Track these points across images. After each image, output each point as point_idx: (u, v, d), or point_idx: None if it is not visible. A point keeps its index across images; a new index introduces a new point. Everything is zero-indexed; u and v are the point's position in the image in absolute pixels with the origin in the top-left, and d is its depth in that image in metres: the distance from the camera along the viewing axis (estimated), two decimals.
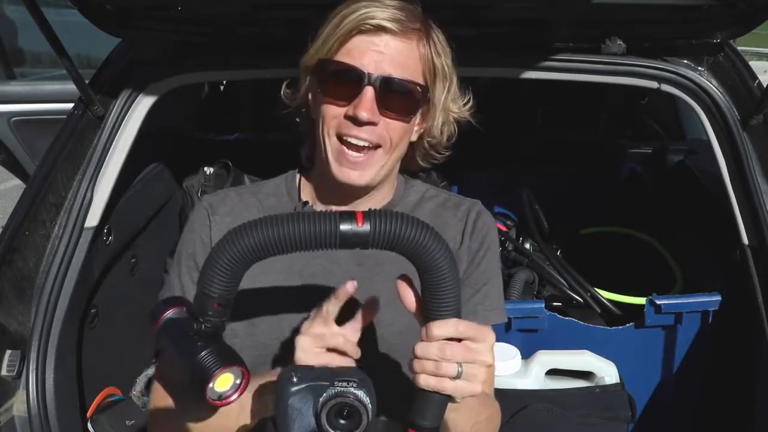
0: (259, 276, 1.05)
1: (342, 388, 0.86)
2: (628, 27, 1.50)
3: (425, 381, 0.88)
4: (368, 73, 1.06)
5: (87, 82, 1.49)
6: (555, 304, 2.03)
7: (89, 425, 1.50)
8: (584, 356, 1.86)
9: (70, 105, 1.53)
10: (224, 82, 2.89)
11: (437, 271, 0.85)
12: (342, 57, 1.08)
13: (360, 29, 1.06)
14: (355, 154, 1.09)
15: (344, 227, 0.81)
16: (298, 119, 1.22)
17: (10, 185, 5.20)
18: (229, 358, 0.87)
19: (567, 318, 1.92)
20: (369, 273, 1.16)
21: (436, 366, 0.87)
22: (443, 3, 1.15)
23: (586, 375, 1.88)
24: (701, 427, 1.92)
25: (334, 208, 1.16)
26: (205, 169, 2.16)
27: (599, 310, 2.01)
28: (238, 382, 0.87)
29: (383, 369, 1.17)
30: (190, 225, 1.22)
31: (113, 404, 1.59)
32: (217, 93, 3.03)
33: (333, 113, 1.09)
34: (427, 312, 0.90)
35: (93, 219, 1.47)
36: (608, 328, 1.92)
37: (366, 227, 0.82)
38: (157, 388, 1.14)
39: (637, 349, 1.91)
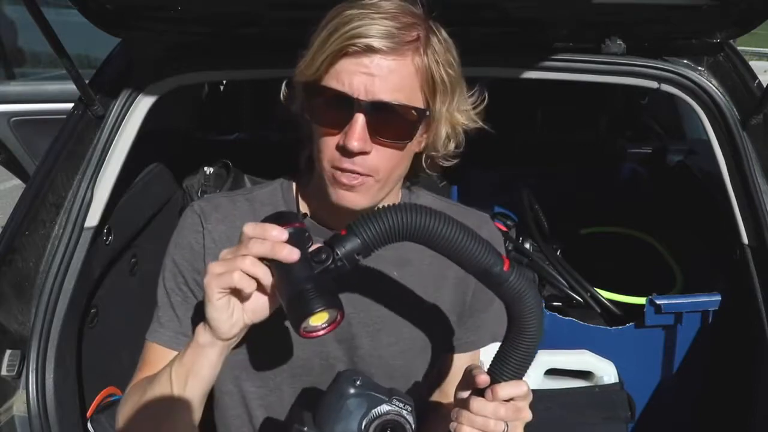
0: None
1: (398, 408, 0.91)
2: (628, 27, 1.50)
3: None
4: (357, 99, 0.97)
5: (87, 82, 1.49)
6: (555, 304, 2.04)
7: (89, 425, 1.50)
8: (583, 356, 1.86)
9: (70, 105, 1.53)
10: (224, 82, 2.89)
11: (527, 334, 0.91)
12: (330, 81, 0.99)
13: (347, 51, 0.96)
14: (350, 175, 1.02)
15: (497, 269, 0.88)
16: (298, 122, 1.14)
17: (10, 185, 5.21)
18: (337, 301, 0.87)
19: (567, 318, 1.92)
20: (373, 294, 1.15)
21: (485, 423, 0.93)
22: (442, 3, 1.13)
23: (585, 375, 1.88)
24: (701, 427, 1.92)
25: (334, 222, 1.12)
26: (205, 169, 2.16)
27: (599, 310, 2.01)
28: (331, 319, 0.87)
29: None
30: (181, 230, 1.16)
31: (113, 404, 1.59)
32: (217, 93, 3.03)
33: (325, 144, 1.02)
34: (498, 367, 0.94)
35: (93, 219, 1.47)
36: (608, 328, 1.92)
37: (510, 274, 0.89)
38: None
39: (636, 349, 1.91)
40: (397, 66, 0.98)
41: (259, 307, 0.91)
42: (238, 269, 0.87)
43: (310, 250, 0.89)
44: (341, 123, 0.99)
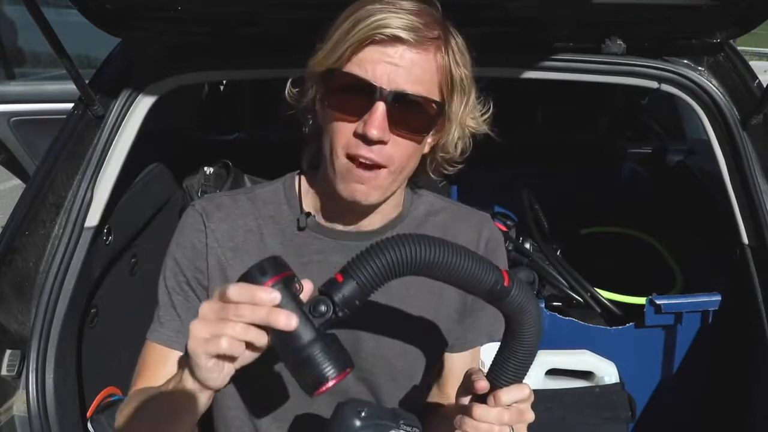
0: None
1: None
2: (628, 27, 1.50)
3: None
4: (380, 87, 0.97)
5: (87, 82, 1.49)
6: (555, 304, 2.04)
7: (89, 425, 1.50)
8: (584, 356, 1.86)
9: (70, 105, 1.53)
10: (224, 82, 2.89)
11: (526, 341, 0.91)
12: (353, 68, 0.99)
13: (373, 39, 0.97)
14: (363, 171, 1.02)
15: (499, 286, 0.87)
16: (302, 121, 1.15)
17: (10, 185, 5.21)
18: (347, 360, 0.83)
19: (567, 318, 1.92)
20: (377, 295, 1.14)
21: (489, 429, 0.93)
22: (443, 3, 1.13)
23: (585, 375, 1.88)
24: (701, 427, 1.92)
25: (338, 221, 1.13)
26: (205, 169, 2.17)
27: (599, 310, 2.01)
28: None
29: (386, 391, 1.17)
30: (182, 229, 1.14)
31: (113, 404, 1.59)
32: (217, 93, 3.03)
33: (342, 130, 1.01)
34: (497, 372, 0.94)
35: (93, 219, 1.47)
36: (608, 328, 1.92)
37: (511, 288, 0.87)
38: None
39: (637, 349, 1.91)
40: (421, 60, 0.99)
41: (250, 354, 0.85)
42: (227, 335, 0.80)
43: (306, 300, 0.83)
44: (361, 111, 0.99)
